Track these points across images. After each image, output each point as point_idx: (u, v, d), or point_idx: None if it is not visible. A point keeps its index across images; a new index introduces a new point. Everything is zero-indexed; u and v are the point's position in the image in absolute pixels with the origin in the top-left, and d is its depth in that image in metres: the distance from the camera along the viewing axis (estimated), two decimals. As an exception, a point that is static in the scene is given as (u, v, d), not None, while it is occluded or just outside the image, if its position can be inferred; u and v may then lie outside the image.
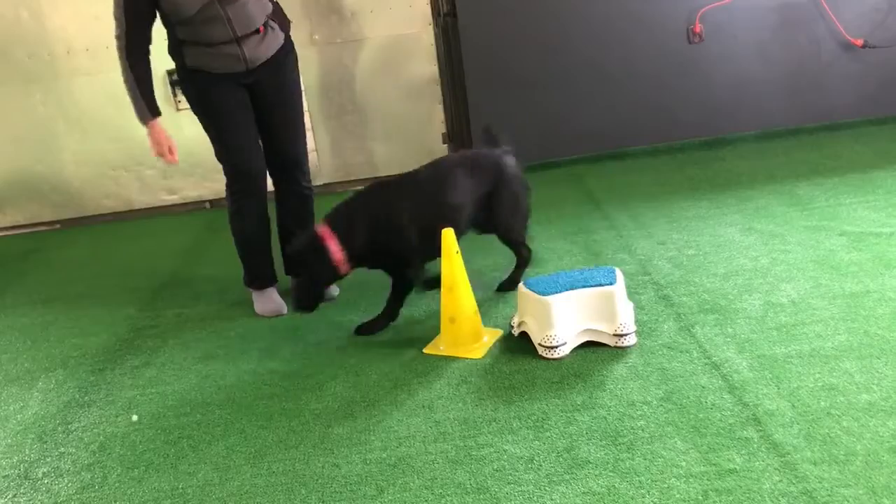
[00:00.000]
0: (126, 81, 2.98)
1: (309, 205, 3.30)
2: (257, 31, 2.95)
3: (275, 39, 3.03)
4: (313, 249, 2.80)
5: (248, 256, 3.27)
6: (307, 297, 2.89)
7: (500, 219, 3.06)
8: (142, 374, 2.86)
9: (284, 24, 3.10)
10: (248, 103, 3.08)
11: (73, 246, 4.58)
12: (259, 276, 3.28)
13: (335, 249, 2.80)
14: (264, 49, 3.00)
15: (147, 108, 3.00)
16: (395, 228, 2.84)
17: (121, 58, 2.96)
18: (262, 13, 2.96)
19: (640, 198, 4.02)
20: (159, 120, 3.03)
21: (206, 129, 3.12)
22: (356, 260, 2.85)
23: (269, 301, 3.27)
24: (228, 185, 3.18)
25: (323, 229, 2.83)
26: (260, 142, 3.16)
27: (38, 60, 4.66)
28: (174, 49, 3.01)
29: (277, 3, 3.10)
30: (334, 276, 2.87)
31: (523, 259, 3.19)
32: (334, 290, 3.30)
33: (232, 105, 3.05)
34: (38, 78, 4.68)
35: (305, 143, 3.26)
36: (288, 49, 3.11)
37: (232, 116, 3.06)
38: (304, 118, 3.25)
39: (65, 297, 3.74)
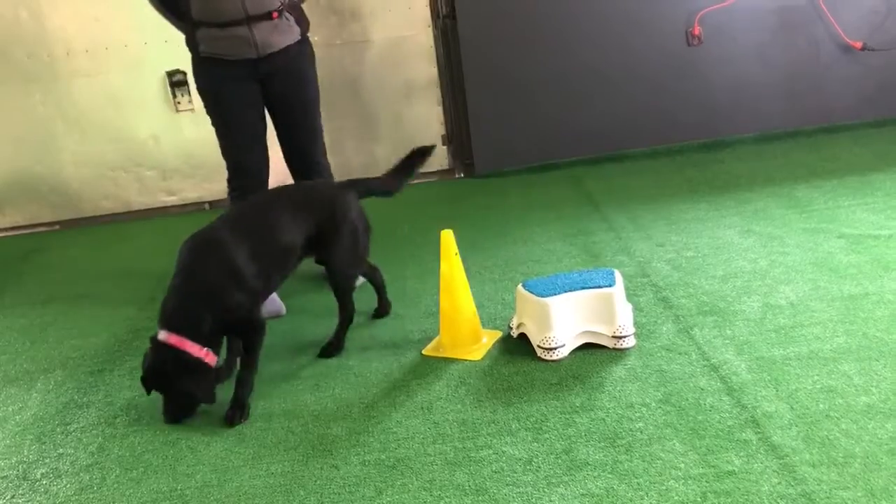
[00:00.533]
0: (158, 11, 3.09)
1: None
2: (270, 16, 2.96)
3: (289, 31, 3.05)
4: (174, 365, 2.41)
5: None
6: (186, 410, 2.51)
7: (334, 261, 2.80)
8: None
9: (302, 21, 3.12)
10: (260, 101, 3.11)
11: (73, 247, 4.58)
12: None
13: (195, 350, 2.44)
14: (277, 38, 3.01)
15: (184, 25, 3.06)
16: (239, 286, 2.52)
17: None
18: None
19: (639, 200, 4.02)
20: None
21: (214, 124, 3.17)
22: (216, 342, 2.52)
23: (270, 302, 3.25)
24: (229, 181, 3.23)
25: (169, 336, 2.43)
26: (265, 140, 3.20)
27: (37, 61, 4.65)
28: (189, 36, 3.04)
29: (297, 2, 3.11)
30: (212, 377, 2.51)
31: (345, 317, 2.85)
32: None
33: (241, 103, 3.09)
34: (38, 78, 4.68)
35: (322, 142, 3.29)
36: (304, 45, 3.14)
37: (239, 114, 3.10)
38: (319, 116, 3.27)
39: (64, 298, 3.74)
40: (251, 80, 3.05)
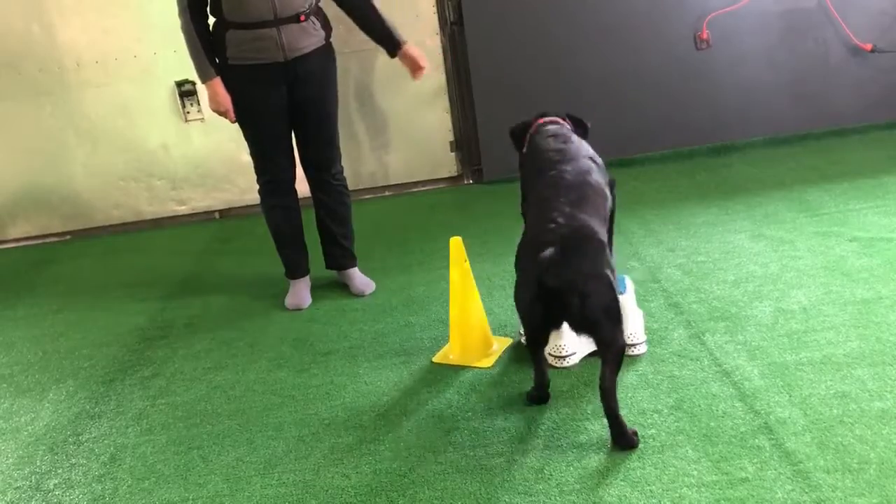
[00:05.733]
0: (188, 40, 3.05)
1: (343, 198, 3.40)
2: (298, 18, 3.00)
3: (316, 35, 3.09)
4: None
5: (279, 248, 3.45)
6: None
7: None
8: (151, 385, 2.87)
9: (327, 26, 3.17)
10: (286, 105, 3.15)
11: (83, 257, 4.60)
12: (288, 266, 3.46)
13: None
14: (304, 41, 3.05)
15: (209, 65, 3.07)
16: None
17: (182, 14, 3.04)
18: (305, 2, 3.02)
19: (649, 205, 4.01)
20: (218, 80, 3.10)
21: (242, 127, 3.22)
22: None
23: (294, 295, 3.43)
24: (259, 191, 3.34)
25: None
26: (291, 142, 3.26)
27: (48, 73, 4.69)
28: (218, 41, 3.07)
29: (321, 8, 3.15)
30: None
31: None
32: (367, 287, 3.41)
33: (269, 108, 3.13)
34: (49, 90, 4.71)
35: (337, 146, 3.33)
36: (329, 50, 3.18)
37: (267, 119, 3.15)
38: (336, 121, 3.30)
39: (75, 308, 3.75)
40: (279, 84, 3.09)
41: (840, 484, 1.88)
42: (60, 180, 4.87)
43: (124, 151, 4.83)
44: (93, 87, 4.71)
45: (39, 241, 4.98)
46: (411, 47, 3.19)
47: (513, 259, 3.51)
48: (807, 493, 1.86)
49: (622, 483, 1.99)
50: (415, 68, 3.20)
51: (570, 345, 2.54)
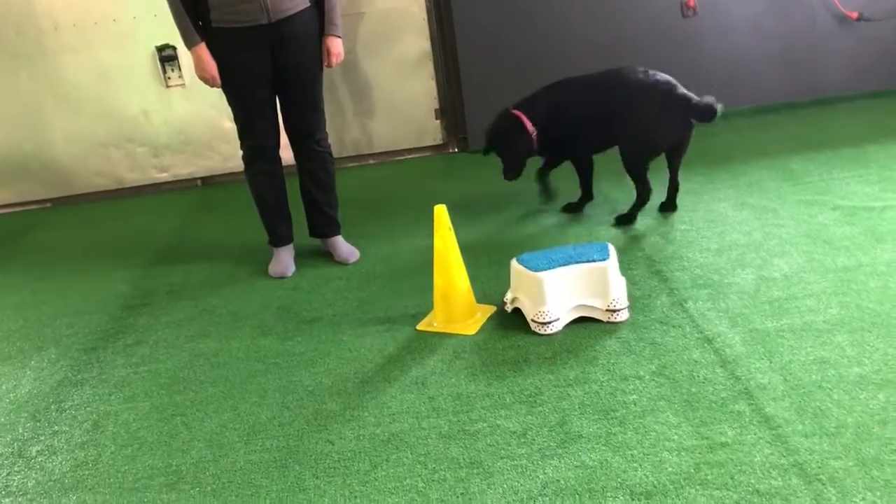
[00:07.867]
0: (172, 6, 3.01)
1: (327, 165, 3.37)
2: None
3: None
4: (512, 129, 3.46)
5: (263, 216, 3.42)
6: (514, 170, 3.57)
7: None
8: (134, 353, 2.86)
9: None
10: (270, 70, 3.10)
11: (65, 224, 4.56)
12: (272, 234, 3.44)
13: (530, 127, 3.46)
14: (288, 2, 3.01)
15: (194, 31, 3.03)
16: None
17: None
18: None
19: (634, 173, 4.00)
20: (203, 45, 3.05)
21: (225, 92, 3.18)
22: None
23: (278, 262, 3.41)
24: (243, 157, 3.30)
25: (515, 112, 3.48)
26: (276, 106, 3.22)
27: (24, 37, 4.60)
28: (202, 5, 3.01)
29: None
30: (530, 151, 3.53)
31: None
32: (352, 255, 3.41)
33: (252, 72, 3.09)
34: (26, 55, 4.62)
35: (322, 111, 3.30)
36: (313, 13, 3.13)
37: (250, 83, 3.11)
38: (321, 85, 3.26)
39: (57, 276, 3.72)
40: (263, 47, 3.05)
41: (817, 447, 1.90)
42: (39, 146, 4.80)
43: (104, 118, 4.76)
44: (71, 52, 4.63)
45: (19, 209, 4.93)
46: (333, 42, 3.16)
47: (498, 228, 3.52)
48: (785, 456, 1.89)
49: (604, 448, 2.01)
50: (327, 58, 3.19)
51: (554, 311, 2.55)
